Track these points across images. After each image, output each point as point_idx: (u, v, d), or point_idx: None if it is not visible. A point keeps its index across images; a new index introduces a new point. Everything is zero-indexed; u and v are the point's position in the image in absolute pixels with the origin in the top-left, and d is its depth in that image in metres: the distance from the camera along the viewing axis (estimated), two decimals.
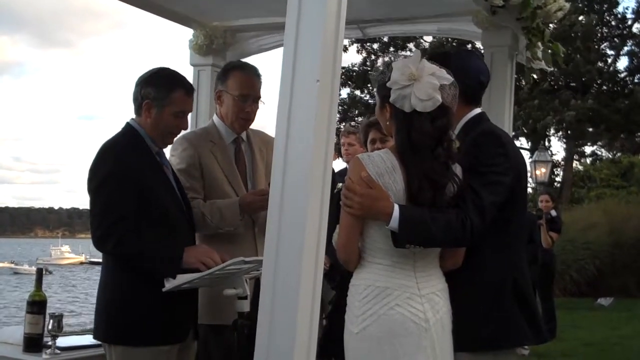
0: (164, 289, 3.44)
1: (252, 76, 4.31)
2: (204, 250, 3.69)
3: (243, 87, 4.26)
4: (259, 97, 4.31)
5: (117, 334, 3.60)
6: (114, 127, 3.83)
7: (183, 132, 3.98)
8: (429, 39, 27.20)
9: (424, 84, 3.04)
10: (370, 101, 28.75)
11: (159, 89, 3.72)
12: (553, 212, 11.66)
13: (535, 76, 22.95)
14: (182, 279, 3.46)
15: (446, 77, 3.10)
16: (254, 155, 4.38)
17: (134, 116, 3.81)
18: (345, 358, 3.14)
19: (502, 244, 3.34)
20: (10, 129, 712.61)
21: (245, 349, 3.21)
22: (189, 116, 3.92)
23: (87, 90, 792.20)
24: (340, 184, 5.45)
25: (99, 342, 3.77)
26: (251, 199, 4.09)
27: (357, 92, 29.84)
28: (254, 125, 4.45)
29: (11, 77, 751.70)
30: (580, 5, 25.45)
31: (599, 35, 26.95)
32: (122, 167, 3.56)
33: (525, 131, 26.67)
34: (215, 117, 4.41)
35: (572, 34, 23.90)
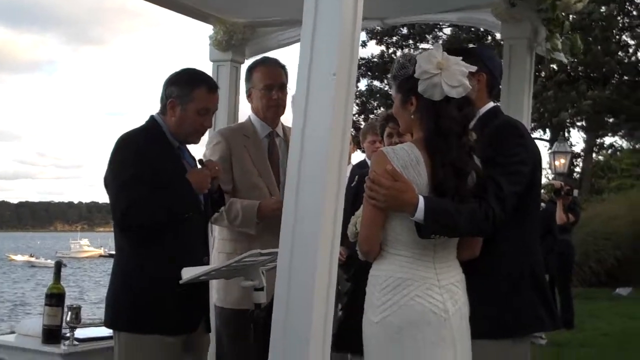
0: (180, 281, 3.45)
1: (273, 67, 4.53)
2: (203, 171, 3.80)
3: (266, 78, 4.46)
4: (284, 84, 4.49)
5: (123, 321, 3.65)
6: (141, 123, 3.90)
7: (218, 128, 4.04)
8: (447, 31, 27.09)
9: (452, 71, 3.07)
10: (389, 92, 28.59)
11: (182, 87, 3.77)
12: (576, 192, 11.57)
13: (555, 67, 22.87)
14: (198, 270, 3.48)
15: (469, 67, 3.13)
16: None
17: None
18: (363, 347, 3.15)
19: (518, 232, 3.37)
20: (39, 126, 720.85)
21: (262, 340, 3.22)
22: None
23: (118, 87, 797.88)
24: (357, 177, 5.44)
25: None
26: (271, 208, 4.17)
27: (376, 83, 29.71)
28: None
29: (44, 74, 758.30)
30: None
31: (619, 25, 26.66)
32: (140, 156, 3.61)
33: (544, 122, 26.51)
34: (251, 113, 4.58)
35: (591, 23, 23.65)
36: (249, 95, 4.58)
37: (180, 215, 3.65)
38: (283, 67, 4.54)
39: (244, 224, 4.26)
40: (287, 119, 4.56)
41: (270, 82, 4.45)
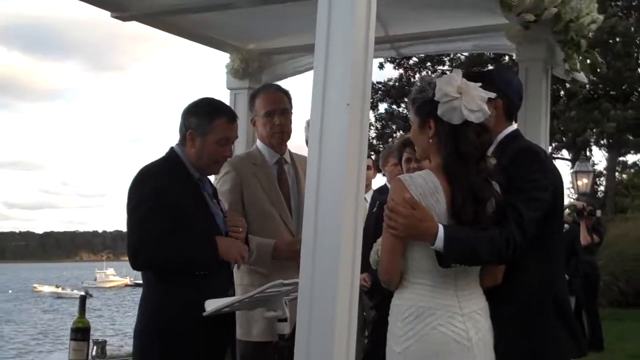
0: (204, 314, 3.45)
1: (273, 92, 4.53)
2: (238, 244, 3.77)
3: (267, 104, 4.44)
4: (286, 110, 4.48)
5: (151, 354, 3.66)
6: (161, 149, 3.84)
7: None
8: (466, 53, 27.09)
9: (472, 96, 3.07)
10: (408, 115, 28.56)
11: (201, 118, 3.76)
12: (598, 213, 11.50)
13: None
14: (221, 302, 3.48)
15: (488, 93, 3.13)
16: (298, 176, 4.48)
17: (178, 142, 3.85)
18: None
19: (541, 259, 3.34)
20: (62, 154, 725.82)
21: None
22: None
23: (137, 112, 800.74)
24: (377, 202, 5.44)
25: None
26: (286, 249, 4.20)
27: (395, 107, 29.72)
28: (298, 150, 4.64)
29: (65, 102, 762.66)
30: (616, 9, 25.06)
31: (638, 41, 26.51)
32: (159, 191, 3.60)
33: (565, 140, 26.35)
34: (257, 142, 4.57)
35: (611, 40, 23.55)
36: (253, 124, 4.57)
37: (196, 266, 3.63)
38: (285, 93, 4.52)
39: (258, 262, 4.23)
40: (294, 145, 4.65)
41: (271, 108, 4.42)
